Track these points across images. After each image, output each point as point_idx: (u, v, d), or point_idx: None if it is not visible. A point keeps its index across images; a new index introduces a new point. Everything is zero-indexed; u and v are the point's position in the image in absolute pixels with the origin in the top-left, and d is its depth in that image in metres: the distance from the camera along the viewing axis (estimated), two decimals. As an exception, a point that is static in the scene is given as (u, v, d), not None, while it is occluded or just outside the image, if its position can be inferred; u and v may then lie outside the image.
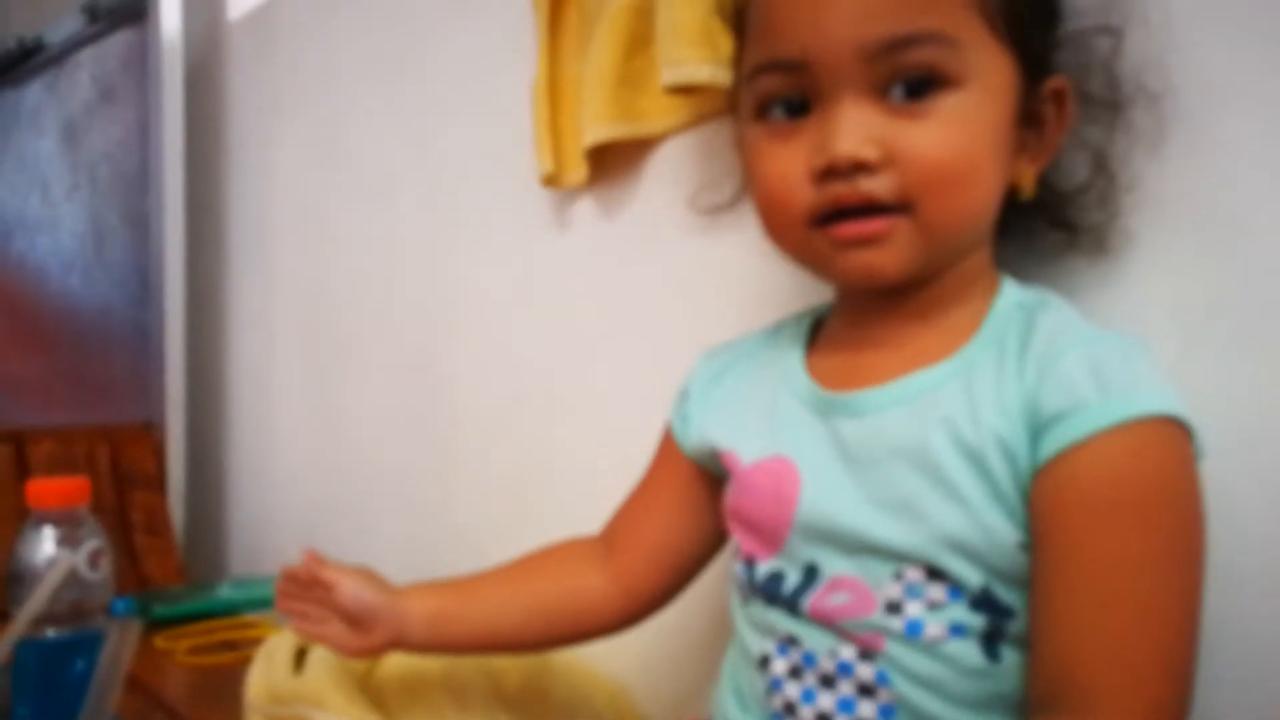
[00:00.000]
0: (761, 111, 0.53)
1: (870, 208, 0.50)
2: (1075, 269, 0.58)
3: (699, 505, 0.64)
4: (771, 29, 0.52)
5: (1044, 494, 0.47)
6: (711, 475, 0.63)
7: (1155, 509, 0.45)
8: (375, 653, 0.65)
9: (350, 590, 0.63)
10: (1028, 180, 0.54)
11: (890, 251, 0.50)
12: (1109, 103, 0.55)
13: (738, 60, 0.58)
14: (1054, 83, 0.53)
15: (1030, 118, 0.53)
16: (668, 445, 0.66)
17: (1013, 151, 0.53)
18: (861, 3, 0.49)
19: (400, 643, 0.65)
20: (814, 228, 0.52)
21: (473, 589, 0.67)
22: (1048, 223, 0.58)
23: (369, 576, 0.65)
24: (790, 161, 0.52)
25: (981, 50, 0.50)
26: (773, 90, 0.52)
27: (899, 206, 0.49)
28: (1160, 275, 0.55)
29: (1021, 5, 0.51)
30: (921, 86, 0.49)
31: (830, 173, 0.50)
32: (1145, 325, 0.55)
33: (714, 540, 0.66)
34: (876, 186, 0.49)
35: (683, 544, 0.66)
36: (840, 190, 0.50)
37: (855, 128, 0.49)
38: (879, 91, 0.49)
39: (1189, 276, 0.54)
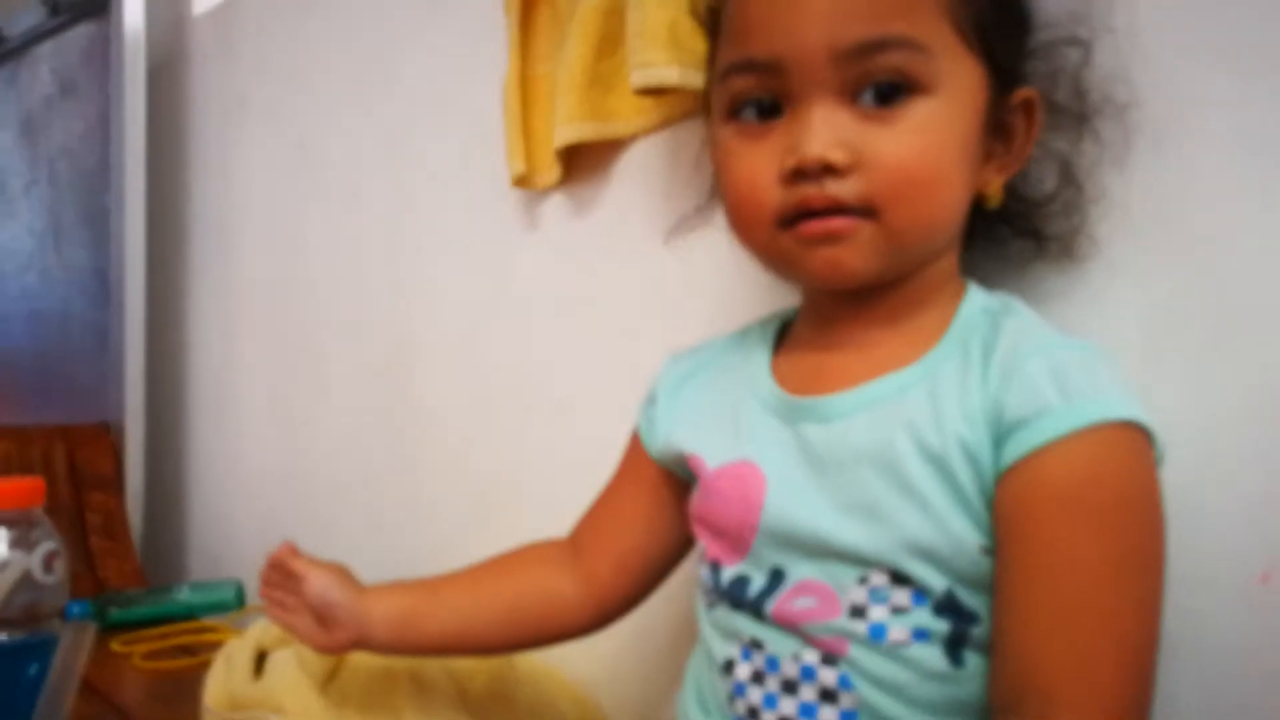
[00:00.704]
0: (733, 112, 0.53)
1: (835, 210, 0.50)
2: (1042, 277, 0.58)
3: (667, 510, 0.64)
4: (745, 29, 0.52)
5: (1007, 498, 0.47)
6: (679, 480, 0.63)
7: (1116, 513, 0.46)
8: (338, 651, 0.65)
9: (316, 586, 0.63)
10: (995, 189, 0.54)
11: (853, 249, 0.50)
12: (1076, 114, 0.56)
13: (711, 61, 0.58)
14: (1023, 93, 0.54)
15: (999, 127, 0.54)
16: (635, 450, 0.66)
17: (980, 160, 0.53)
18: (834, 6, 0.49)
19: (363, 643, 0.64)
20: (781, 229, 0.52)
21: (439, 590, 0.66)
22: (1015, 231, 0.58)
23: (338, 573, 0.65)
24: (760, 162, 0.52)
25: (952, 59, 0.50)
26: (745, 91, 0.52)
27: (864, 211, 0.50)
28: (1126, 283, 0.56)
29: (992, 17, 0.52)
30: (892, 92, 0.49)
31: (799, 174, 0.50)
32: (1111, 332, 0.55)
33: (682, 545, 0.66)
34: (843, 190, 0.49)
35: (651, 549, 0.65)
36: (808, 192, 0.50)
37: (825, 131, 0.49)
38: (850, 95, 0.50)
39: (1155, 284, 0.55)
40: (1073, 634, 0.45)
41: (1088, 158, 0.56)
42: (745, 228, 0.54)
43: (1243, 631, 0.51)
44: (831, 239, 0.50)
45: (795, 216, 0.51)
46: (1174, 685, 0.51)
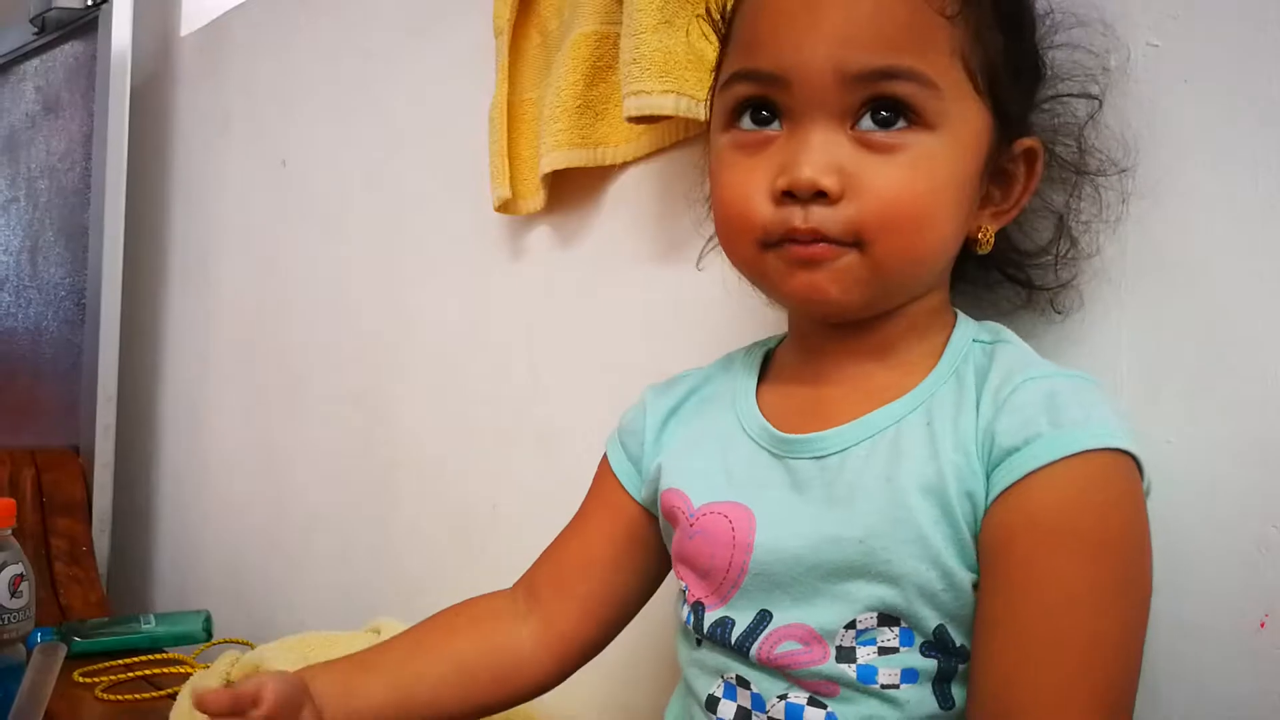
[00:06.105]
0: (731, 120, 0.53)
1: (818, 239, 0.49)
2: (1033, 319, 0.58)
3: (642, 550, 0.62)
4: (754, 41, 0.51)
5: (995, 524, 0.47)
6: (655, 518, 0.60)
7: (1102, 542, 0.45)
8: None
9: (281, 691, 0.54)
10: (987, 235, 0.54)
11: (833, 276, 0.49)
12: (1078, 169, 0.56)
13: (716, 69, 0.57)
14: (1026, 143, 0.53)
15: (999, 174, 0.53)
16: (608, 485, 0.63)
17: (976, 204, 0.53)
18: (848, 29, 0.48)
19: None
20: (766, 249, 0.51)
21: (379, 659, 0.61)
22: (1006, 276, 0.58)
23: (277, 672, 0.58)
24: (754, 176, 0.51)
25: (959, 100, 0.50)
26: (744, 96, 0.51)
27: (849, 241, 0.49)
28: (1110, 337, 0.55)
29: (1003, 65, 0.52)
30: (893, 121, 0.49)
31: (789, 195, 0.49)
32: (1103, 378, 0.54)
33: (653, 586, 0.63)
34: (828, 220, 0.49)
35: (622, 591, 0.62)
36: (795, 216, 0.49)
37: (820, 154, 0.49)
38: (851, 119, 0.49)
39: (1148, 330, 0.55)
40: (1050, 661, 0.44)
41: (1085, 214, 0.56)
42: (732, 241, 0.53)
43: (1240, 677, 0.50)
44: (812, 263, 0.49)
45: (780, 240, 0.50)
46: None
